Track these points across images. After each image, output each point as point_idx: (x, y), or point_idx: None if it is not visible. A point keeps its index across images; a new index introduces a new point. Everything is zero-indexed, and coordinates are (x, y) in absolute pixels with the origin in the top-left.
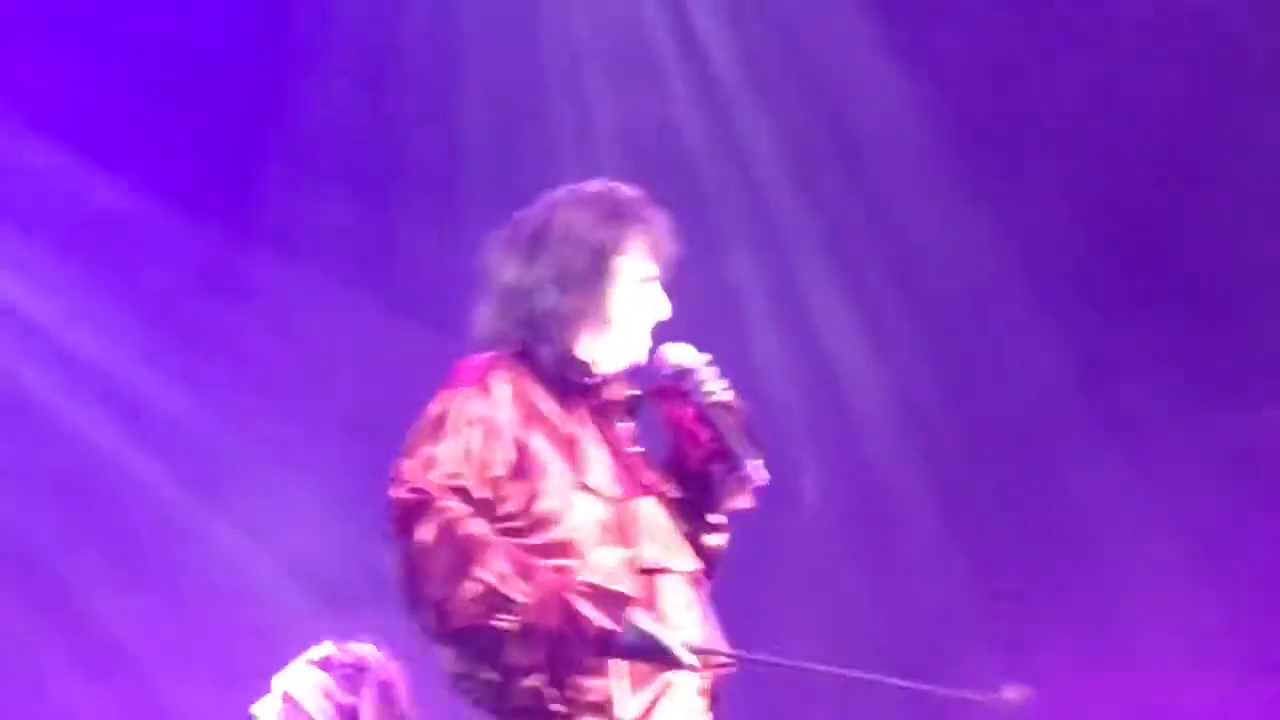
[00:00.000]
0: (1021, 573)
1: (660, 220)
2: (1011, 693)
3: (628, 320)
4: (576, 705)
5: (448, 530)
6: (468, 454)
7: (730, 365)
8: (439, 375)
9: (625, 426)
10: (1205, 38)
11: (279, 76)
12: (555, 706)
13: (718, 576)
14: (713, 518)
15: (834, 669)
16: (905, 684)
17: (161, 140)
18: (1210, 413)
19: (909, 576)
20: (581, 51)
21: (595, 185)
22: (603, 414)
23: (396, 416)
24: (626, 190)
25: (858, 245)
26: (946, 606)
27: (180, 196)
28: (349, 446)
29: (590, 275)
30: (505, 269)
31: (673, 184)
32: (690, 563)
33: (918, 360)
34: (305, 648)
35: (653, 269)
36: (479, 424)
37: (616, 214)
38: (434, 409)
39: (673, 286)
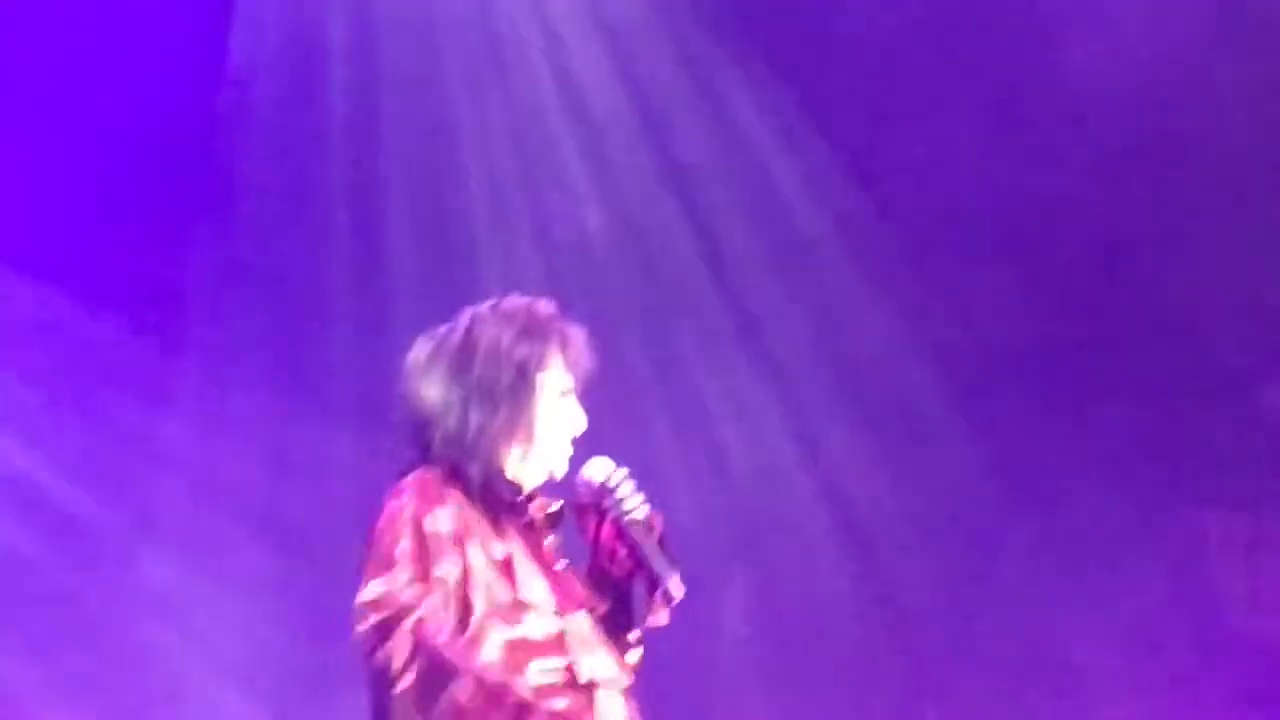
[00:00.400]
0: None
1: (576, 334)
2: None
3: (550, 435)
4: None
5: (418, 651)
6: (426, 573)
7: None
8: (359, 479)
9: (551, 542)
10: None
11: (205, 183)
12: None
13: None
14: (631, 634)
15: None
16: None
17: (87, 244)
18: None
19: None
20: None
21: (515, 301)
22: (529, 531)
23: (316, 519)
24: (545, 306)
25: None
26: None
27: (106, 301)
28: (271, 548)
29: (515, 392)
30: (428, 386)
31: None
32: (624, 676)
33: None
34: None
35: (570, 382)
36: (435, 540)
37: (537, 330)
38: (389, 528)
39: (587, 398)
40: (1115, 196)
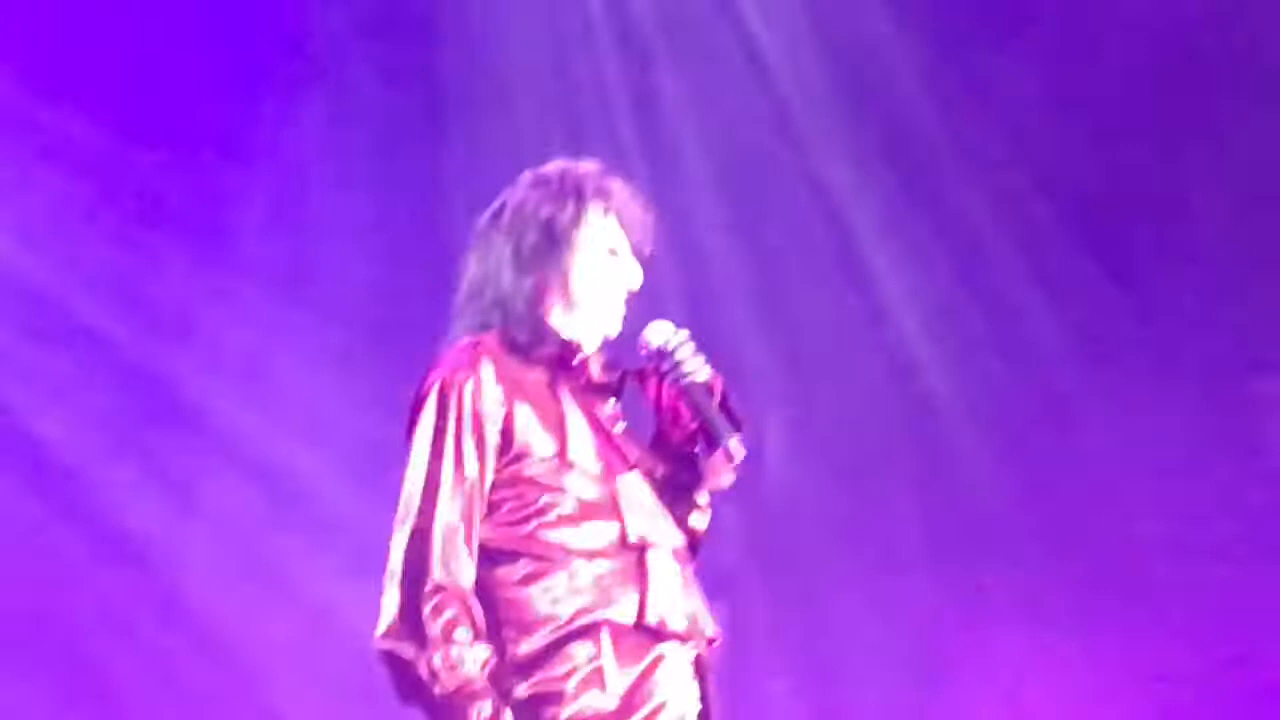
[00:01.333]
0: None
1: (621, 191)
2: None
3: (593, 293)
4: (569, 680)
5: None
6: (460, 476)
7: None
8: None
9: (609, 406)
10: None
11: None
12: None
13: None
14: (697, 497)
15: None
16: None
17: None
18: None
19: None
20: None
21: (553, 165)
22: (586, 393)
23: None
24: (584, 165)
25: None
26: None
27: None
28: None
29: (546, 251)
30: (472, 259)
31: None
32: (676, 538)
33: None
34: None
35: (616, 240)
36: (465, 427)
37: (571, 189)
38: (426, 411)
39: (647, 256)
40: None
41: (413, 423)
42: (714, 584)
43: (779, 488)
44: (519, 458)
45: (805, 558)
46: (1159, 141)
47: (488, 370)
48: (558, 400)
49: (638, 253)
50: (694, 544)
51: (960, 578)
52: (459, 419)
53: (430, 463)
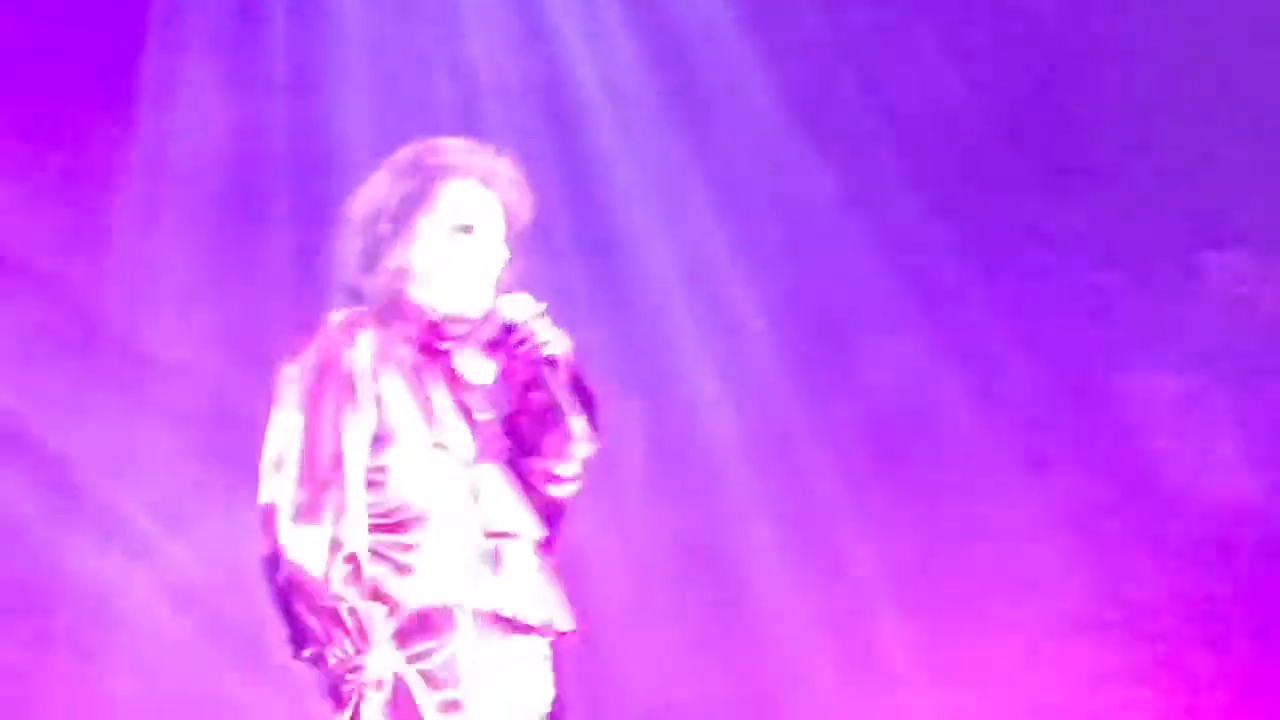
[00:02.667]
0: None
1: (481, 164)
2: None
3: (445, 274)
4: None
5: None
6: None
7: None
8: None
9: (477, 387)
10: None
11: None
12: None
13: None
14: (552, 467)
15: None
16: None
17: None
18: None
19: None
20: None
21: (409, 146)
22: (453, 376)
23: None
24: (441, 142)
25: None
26: None
27: None
28: None
29: (391, 235)
30: (336, 248)
31: None
32: (534, 529)
33: None
34: None
35: (471, 216)
36: (336, 391)
37: (414, 168)
38: (293, 374)
39: (520, 227)
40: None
41: (286, 380)
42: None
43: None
44: (383, 437)
45: None
46: None
47: (366, 338)
48: (423, 383)
49: (514, 224)
50: (554, 517)
51: None
52: (336, 379)
53: (309, 419)
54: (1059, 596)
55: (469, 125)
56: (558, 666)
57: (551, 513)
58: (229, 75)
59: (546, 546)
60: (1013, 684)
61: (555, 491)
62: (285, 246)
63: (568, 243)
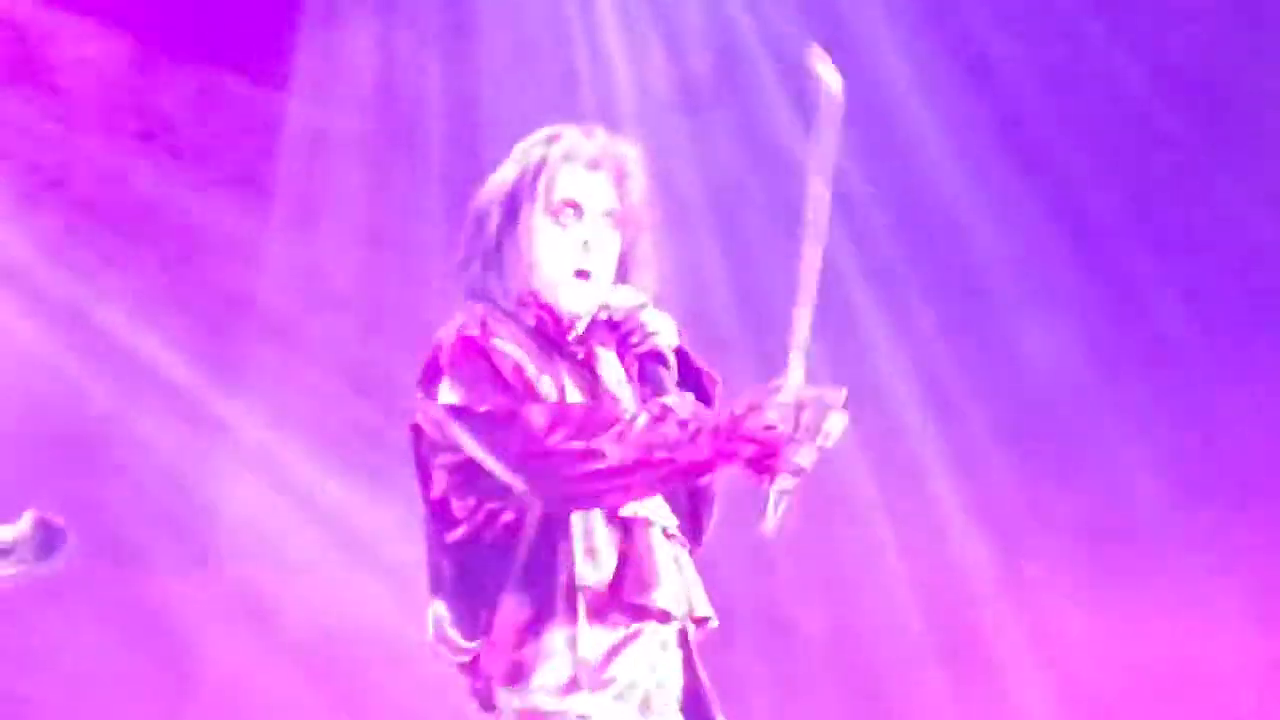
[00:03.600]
0: None
1: (589, 152)
2: None
3: (551, 265)
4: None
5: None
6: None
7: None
8: None
9: (616, 379)
10: None
11: None
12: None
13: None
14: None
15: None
16: None
17: None
18: None
19: None
20: None
21: (530, 136)
22: (588, 368)
23: None
24: (551, 131)
25: None
26: None
27: None
28: None
29: (497, 224)
30: (462, 239)
31: None
32: (667, 517)
33: None
34: None
35: (565, 196)
36: (505, 355)
37: (523, 154)
38: (458, 351)
39: (636, 209)
40: None
41: (433, 378)
42: None
43: None
44: None
45: None
46: None
47: (497, 327)
48: (557, 374)
49: (630, 210)
50: (697, 508)
51: None
52: (487, 363)
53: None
54: None
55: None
56: (689, 654)
57: (694, 504)
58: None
59: (692, 537)
60: None
61: (698, 505)
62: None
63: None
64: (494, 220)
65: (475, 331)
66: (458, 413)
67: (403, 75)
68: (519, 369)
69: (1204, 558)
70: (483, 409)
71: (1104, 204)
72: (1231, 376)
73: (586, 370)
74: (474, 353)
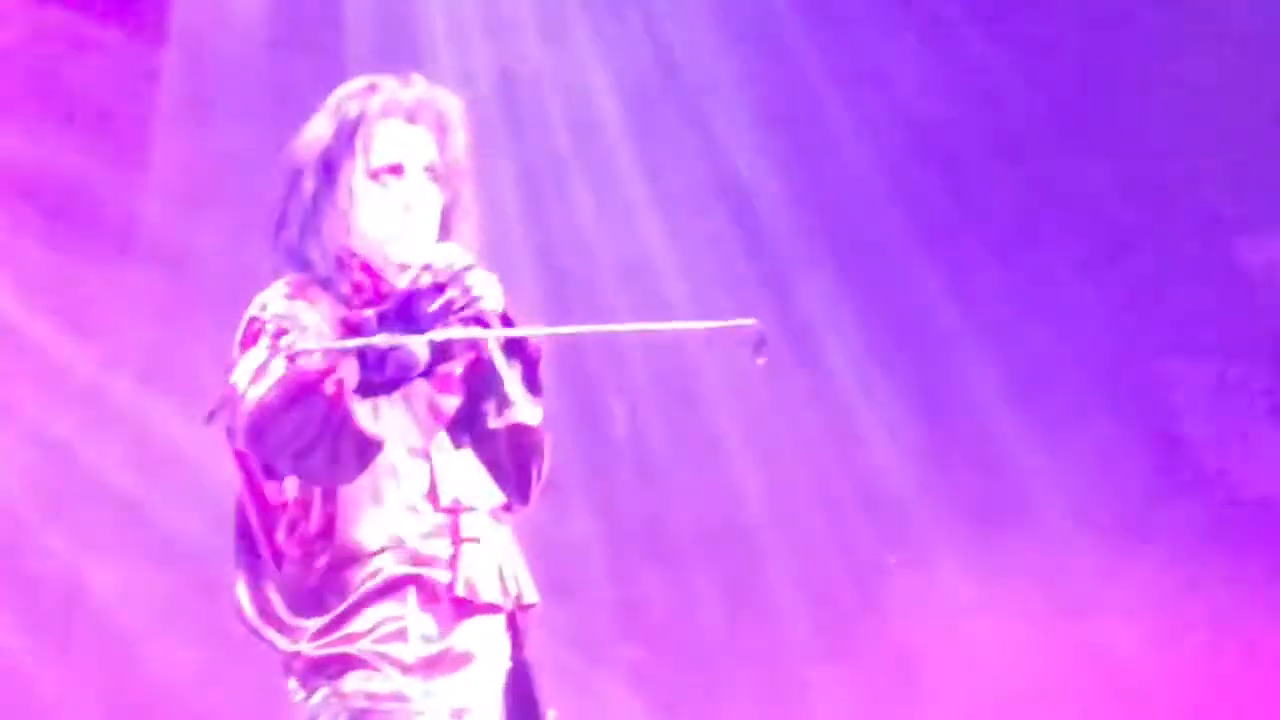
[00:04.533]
0: None
1: (405, 104)
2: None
3: (377, 221)
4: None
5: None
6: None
7: None
8: None
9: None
10: None
11: None
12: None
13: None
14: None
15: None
16: (646, 328)
17: None
18: None
19: None
20: None
21: (341, 87)
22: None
23: None
24: (364, 83)
25: None
26: None
27: None
28: None
29: (312, 185)
30: (277, 204)
31: None
32: (492, 497)
33: None
34: None
35: (383, 159)
36: (281, 304)
37: (337, 109)
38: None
39: (459, 160)
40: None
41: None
42: None
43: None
44: None
45: None
46: None
47: (313, 295)
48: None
49: (449, 161)
50: (523, 466)
51: None
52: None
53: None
54: None
55: None
56: (517, 638)
57: (518, 461)
58: None
59: (519, 494)
60: None
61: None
62: None
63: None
64: (310, 181)
65: (260, 313)
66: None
67: None
68: (280, 330)
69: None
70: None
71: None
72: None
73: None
74: (247, 338)
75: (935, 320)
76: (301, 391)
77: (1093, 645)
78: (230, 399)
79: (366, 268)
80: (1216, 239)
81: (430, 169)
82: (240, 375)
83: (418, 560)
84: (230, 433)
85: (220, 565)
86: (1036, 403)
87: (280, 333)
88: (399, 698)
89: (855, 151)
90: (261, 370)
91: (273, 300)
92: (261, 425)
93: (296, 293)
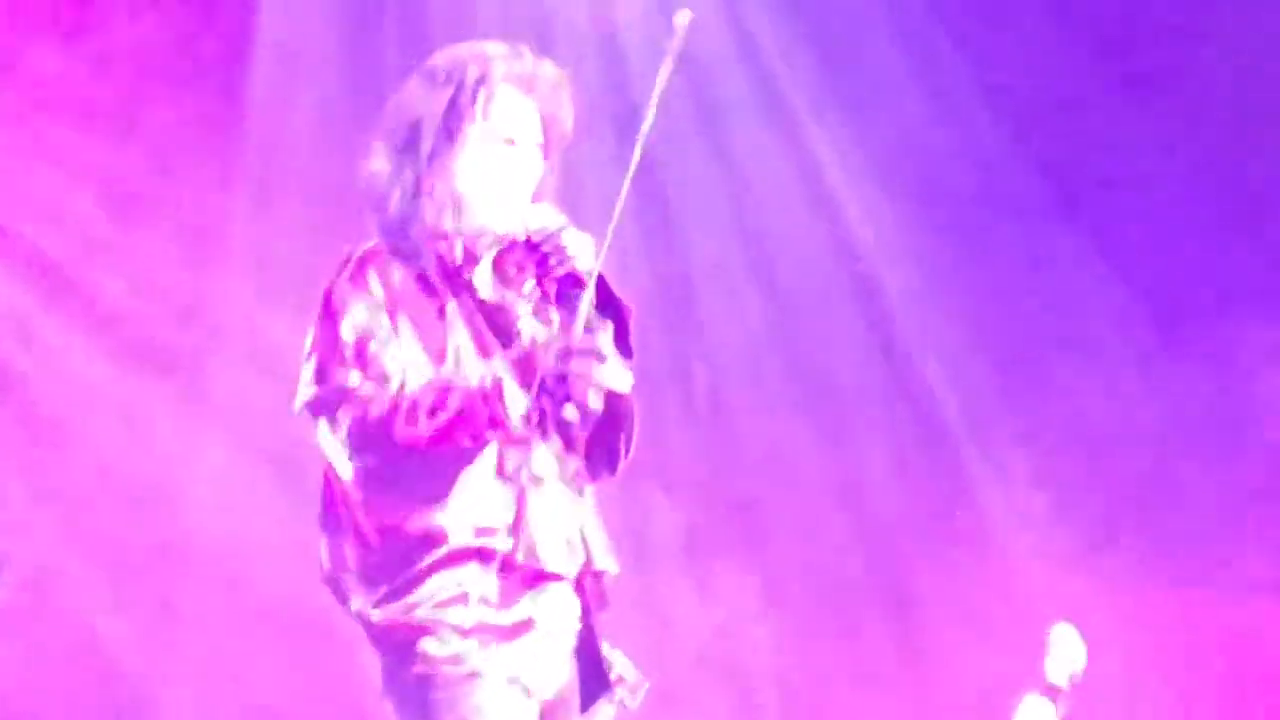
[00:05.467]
0: None
1: (524, 71)
2: None
3: (478, 191)
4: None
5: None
6: (358, 339)
7: None
8: None
9: (525, 312)
10: None
11: None
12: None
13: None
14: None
15: None
16: None
17: None
18: None
19: None
20: None
21: (444, 52)
22: (479, 307)
23: None
24: (478, 47)
25: None
26: None
27: None
28: None
29: (417, 149)
30: (368, 160)
31: None
32: (566, 465)
33: None
34: None
35: (512, 127)
36: (361, 312)
37: (450, 77)
38: (320, 319)
39: (566, 138)
40: None
41: (315, 335)
42: None
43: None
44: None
45: None
46: None
47: (375, 280)
48: (443, 318)
49: (555, 135)
50: (611, 435)
51: None
52: (346, 335)
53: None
54: None
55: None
56: (587, 604)
57: (607, 431)
58: None
59: (609, 463)
60: None
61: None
62: None
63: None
64: (429, 141)
65: (336, 291)
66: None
67: None
68: (357, 336)
69: None
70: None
71: None
72: None
73: (485, 312)
74: (324, 318)
75: None
76: (458, 439)
77: None
78: (339, 397)
79: (460, 236)
80: None
81: (538, 141)
82: (366, 388)
83: (480, 530)
84: (334, 423)
85: None
86: None
87: (362, 346)
88: (456, 660)
89: None
90: (416, 409)
91: (348, 297)
92: (401, 450)
93: (359, 273)
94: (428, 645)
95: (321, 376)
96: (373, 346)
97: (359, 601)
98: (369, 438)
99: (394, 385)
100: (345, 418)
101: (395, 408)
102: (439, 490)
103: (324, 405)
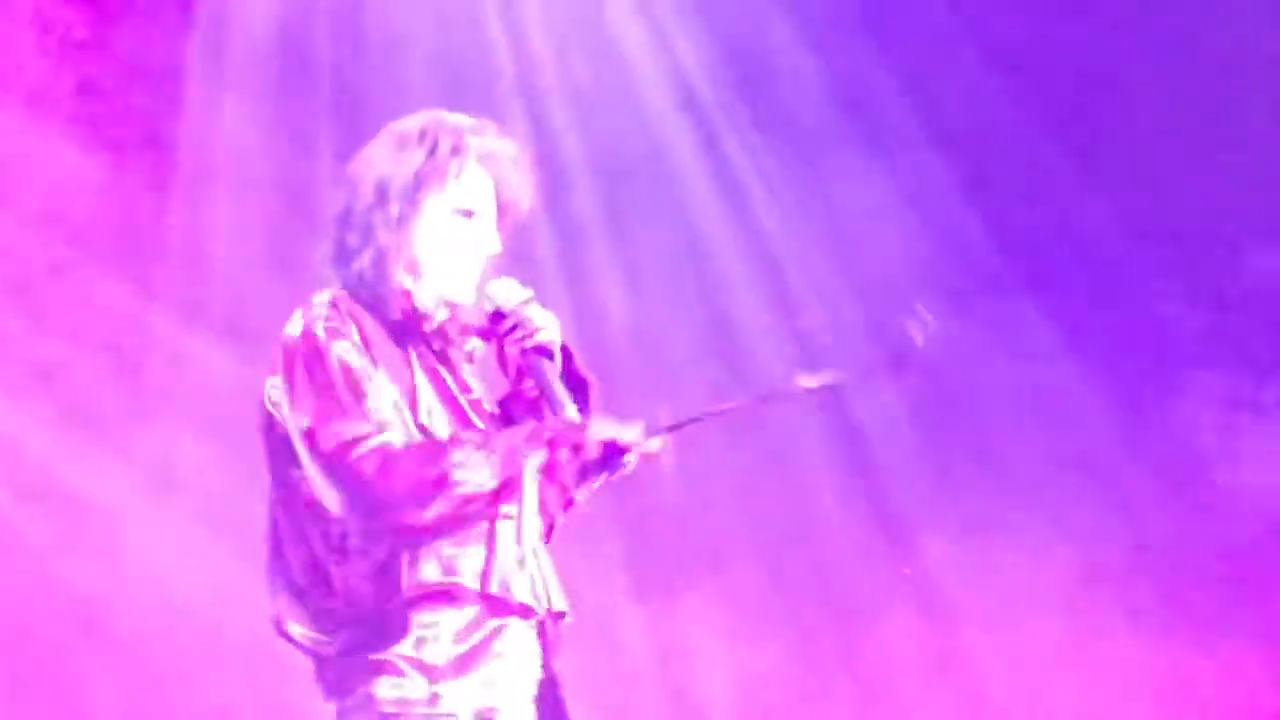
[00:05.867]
0: None
1: (490, 147)
2: (809, 379)
3: (437, 259)
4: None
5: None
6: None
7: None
8: None
9: (467, 371)
10: None
11: None
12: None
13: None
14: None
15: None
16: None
17: None
18: None
19: None
20: None
21: (416, 117)
22: (438, 361)
23: None
24: (449, 118)
25: None
26: None
27: None
28: None
29: (383, 213)
30: (333, 209)
31: None
32: (517, 506)
33: None
34: None
35: (473, 200)
36: (352, 355)
37: (420, 146)
38: (304, 356)
39: (523, 213)
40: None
41: (289, 372)
42: None
43: None
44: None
45: None
46: None
47: (350, 327)
48: (409, 366)
49: (510, 211)
50: (563, 504)
51: None
52: (333, 370)
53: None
54: None
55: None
56: (548, 647)
57: (559, 499)
58: None
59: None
60: None
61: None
62: None
63: None
64: (396, 205)
65: (319, 332)
66: (305, 435)
67: None
68: (349, 373)
69: None
70: (324, 441)
71: None
72: None
73: (440, 363)
74: (312, 357)
75: None
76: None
77: None
78: (337, 455)
79: (409, 298)
80: None
81: (494, 213)
82: (365, 448)
83: (450, 568)
84: (346, 467)
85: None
86: None
87: (355, 383)
88: (428, 702)
89: None
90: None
91: (331, 340)
92: (394, 513)
93: (337, 315)
94: (398, 688)
95: (332, 419)
96: (368, 388)
97: (318, 646)
98: (388, 488)
99: (395, 434)
100: (368, 467)
101: (423, 479)
102: (422, 538)
103: (343, 449)
